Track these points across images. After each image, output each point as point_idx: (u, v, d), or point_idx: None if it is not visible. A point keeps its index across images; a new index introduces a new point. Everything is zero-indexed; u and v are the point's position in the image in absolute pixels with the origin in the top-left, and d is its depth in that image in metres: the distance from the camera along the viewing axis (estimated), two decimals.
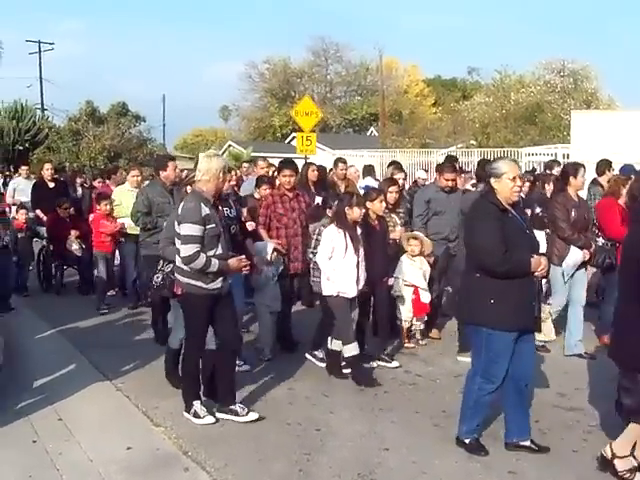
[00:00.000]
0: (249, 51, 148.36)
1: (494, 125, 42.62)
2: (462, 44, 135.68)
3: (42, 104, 60.72)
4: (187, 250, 7.34)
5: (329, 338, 9.50)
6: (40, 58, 62.78)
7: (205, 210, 7.38)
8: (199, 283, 7.49)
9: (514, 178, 6.72)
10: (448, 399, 8.42)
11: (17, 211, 15.69)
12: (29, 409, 8.05)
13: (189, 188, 8.64)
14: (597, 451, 6.69)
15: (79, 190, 18.86)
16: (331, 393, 8.74)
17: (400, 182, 11.89)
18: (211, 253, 7.43)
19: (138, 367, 9.66)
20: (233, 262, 7.70)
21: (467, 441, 7.02)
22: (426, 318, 11.04)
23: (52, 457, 6.86)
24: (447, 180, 11.16)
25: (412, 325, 10.94)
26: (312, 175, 13.94)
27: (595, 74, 47.89)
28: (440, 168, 11.68)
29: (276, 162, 14.11)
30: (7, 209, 15.71)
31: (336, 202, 9.69)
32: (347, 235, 9.11)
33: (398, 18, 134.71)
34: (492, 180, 6.78)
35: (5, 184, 26.18)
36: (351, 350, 9.10)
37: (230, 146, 55.66)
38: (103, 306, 13.31)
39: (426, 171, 21.40)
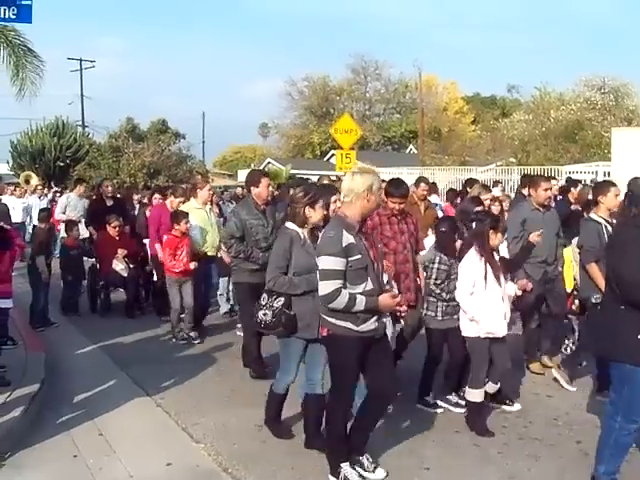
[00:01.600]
0: (288, 69, 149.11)
1: (534, 143, 42.35)
2: (501, 61, 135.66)
3: (83, 121, 61.58)
4: (326, 287, 6.27)
5: (467, 387, 8.32)
6: (81, 75, 63.53)
7: (348, 239, 6.26)
8: (348, 324, 6.35)
9: None
10: (489, 418, 8.35)
11: (70, 228, 14.99)
12: (70, 424, 8.09)
13: (308, 210, 7.40)
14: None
15: (137, 207, 17.72)
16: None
17: (486, 203, 11.00)
18: (358, 289, 6.30)
19: (178, 383, 9.66)
20: (385, 299, 6.45)
21: None
22: None
23: (92, 472, 6.88)
24: (546, 190, 10.29)
25: None
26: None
27: (636, 91, 47.52)
28: (534, 182, 10.73)
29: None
30: (56, 226, 15.63)
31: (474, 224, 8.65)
32: (487, 263, 8.04)
33: (437, 35, 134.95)
34: None
35: (53, 200, 25.68)
36: (477, 396, 8.15)
37: (269, 163, 55.86)
38: (180, 334, 12.25)
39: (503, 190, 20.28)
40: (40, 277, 13.06)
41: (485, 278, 7.95)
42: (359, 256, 6.29)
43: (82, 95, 63.31)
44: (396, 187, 9.13)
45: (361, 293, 6.30)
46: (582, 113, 42.50)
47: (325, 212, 7.53)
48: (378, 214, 8.97)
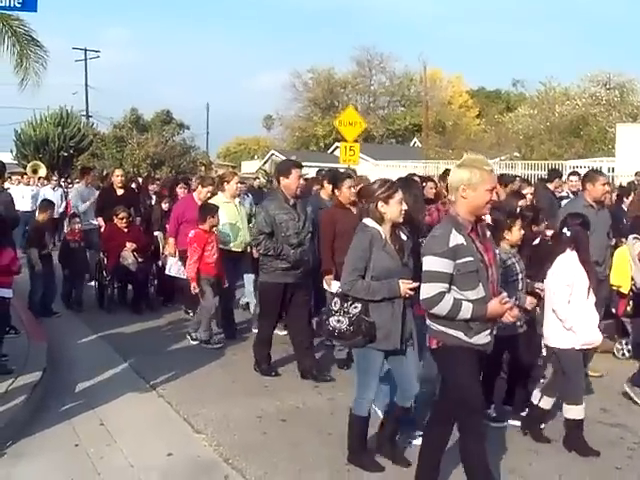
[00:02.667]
0: (293, 61, 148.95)
1: (538, 137, 42.24)
2: (507, 55, 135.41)
3: (87, 111, 61.61)
4: (428, 290, 5.61)
5: (537, 393, 7.78)
6: (86, 65, 63.58)
7: (457, 239, 5.59)
8: (459, 334, 5.67)
9: None
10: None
11: (69, 221, 14.66)
12: (71, 413, 8.09)
13: (381, 205, 6.63)
14: None
15: (154, 198, 16.78)
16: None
17: (528, 197, 10.55)
18: (467, 296, 5.61)
19: (179, 374, 9.65)
20: (494, 305, 5.68)
21: None
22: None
23: (93, 461, 6.89)
24: (604, 185, 9.91)
25: None
26: (427, 192, 11.68)
27: None
28: (591, 177, 10.16)
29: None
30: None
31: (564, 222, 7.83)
32: (588, 269, 7.39)
33: (442, 28, 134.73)
34: None
35: (66, 194, 24.70)
36: (578, 413, 7.32)
37: (273, 155, 55.83)
38: (213, 338, 11.37)
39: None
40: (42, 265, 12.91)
41: (589, 285, 7.33)
42: (469, 258, 5.62)
43: (86, 85, 63.48)
44: None
45: (471, 301, 5.63)
46: (587, 108, 42.43)
47: (405, 208, 6.69)
48: (438, 209, 8.51)
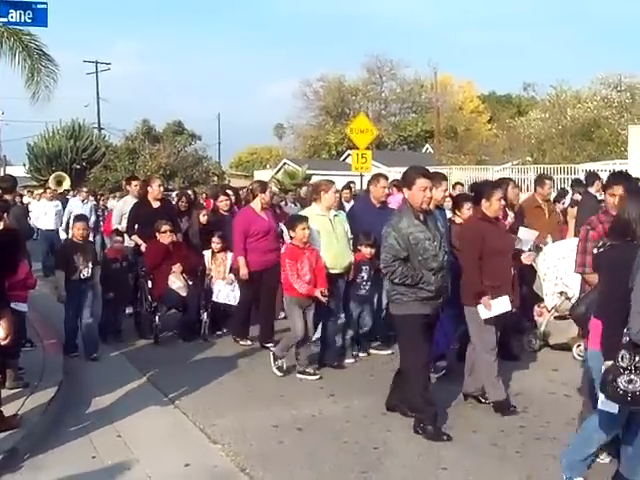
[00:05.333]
0: (303, 69, 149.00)
1: (550, 141, 42.14)
2: (517, 60, 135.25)
3: (99, 123, 62.01)
4: None
5: None
6: (97, 78, 64.07)
7: None
8: None
9: None
10: (506, 418, 8.31)
11: (111, 237, 13.05)
12: (88, 425, 8.11)
13: None
14: None
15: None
16: (388, 411, 8.61)
17: None
18: None
19: (195, 385, 9.63)
20: None
21: None
22: None
23: (111, 473, 6.90)
24: None
25: None
26: (513, 194, 11.10)
27: None
28: None
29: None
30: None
31: None
32: None
33: (452, 34, 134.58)
34: None
35: (97, 208, 23.19)
36: None
37: (285, 164, 55.85)
38: (307, 369, 10.13)
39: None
40: (71, 292, 10.99)
41: None
42: None
43: (98, 97, 63.90)
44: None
45: None
46: (599, 111, 42.31)
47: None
48: (600, 221, 7.29)
